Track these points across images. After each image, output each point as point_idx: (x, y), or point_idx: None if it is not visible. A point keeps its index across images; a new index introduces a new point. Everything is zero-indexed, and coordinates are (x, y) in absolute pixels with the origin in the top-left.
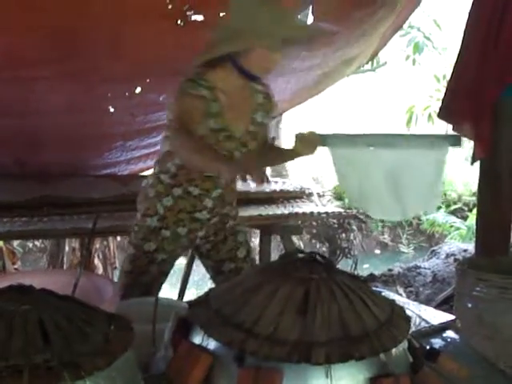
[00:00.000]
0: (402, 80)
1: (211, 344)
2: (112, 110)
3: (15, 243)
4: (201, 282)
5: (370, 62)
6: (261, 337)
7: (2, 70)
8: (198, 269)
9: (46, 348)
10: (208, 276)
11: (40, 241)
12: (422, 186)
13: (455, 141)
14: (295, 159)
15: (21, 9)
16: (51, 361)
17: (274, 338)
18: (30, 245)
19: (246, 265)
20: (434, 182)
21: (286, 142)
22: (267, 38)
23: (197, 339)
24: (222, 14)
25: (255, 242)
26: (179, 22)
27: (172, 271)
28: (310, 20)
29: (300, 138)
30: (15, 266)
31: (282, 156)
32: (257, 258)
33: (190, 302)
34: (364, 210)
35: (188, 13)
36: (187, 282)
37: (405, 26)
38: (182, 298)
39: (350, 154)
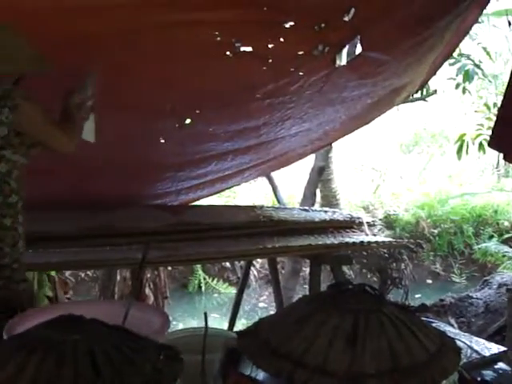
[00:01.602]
0: (453, 108)
1: (260, 375)
2: (163, 141)
3: (67, 273)
4: (251, 312)
5: (419, 91)
6: (310, 367)
7: None
8: (249, 298)
9: (96, 378)
10: (259, 306)
11: (92, 270)
12: None
13: None
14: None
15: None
16: None
17: (323, 368)
18: (82, 274)
19: None
20: None
21: (337, 171)
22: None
23: (246, 370)
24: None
25: (306, 271)
26: (228, 53)
27: (222, 301)
28: (358, 50)
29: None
30: (67, 296)
31: None
32: (307, 288)
33: (239, 333)
34: None
35: (237, 44)
36: (237, 313)
37: (454, 54)
38: (232, 329)
39: None
